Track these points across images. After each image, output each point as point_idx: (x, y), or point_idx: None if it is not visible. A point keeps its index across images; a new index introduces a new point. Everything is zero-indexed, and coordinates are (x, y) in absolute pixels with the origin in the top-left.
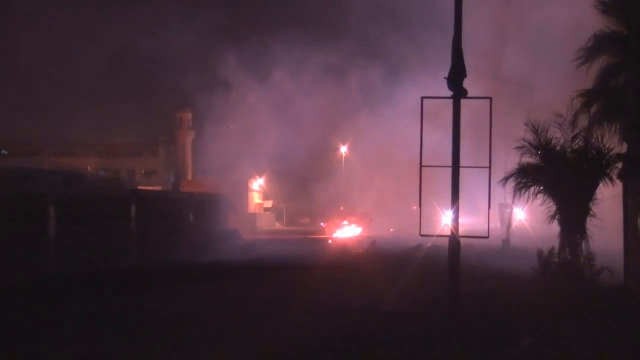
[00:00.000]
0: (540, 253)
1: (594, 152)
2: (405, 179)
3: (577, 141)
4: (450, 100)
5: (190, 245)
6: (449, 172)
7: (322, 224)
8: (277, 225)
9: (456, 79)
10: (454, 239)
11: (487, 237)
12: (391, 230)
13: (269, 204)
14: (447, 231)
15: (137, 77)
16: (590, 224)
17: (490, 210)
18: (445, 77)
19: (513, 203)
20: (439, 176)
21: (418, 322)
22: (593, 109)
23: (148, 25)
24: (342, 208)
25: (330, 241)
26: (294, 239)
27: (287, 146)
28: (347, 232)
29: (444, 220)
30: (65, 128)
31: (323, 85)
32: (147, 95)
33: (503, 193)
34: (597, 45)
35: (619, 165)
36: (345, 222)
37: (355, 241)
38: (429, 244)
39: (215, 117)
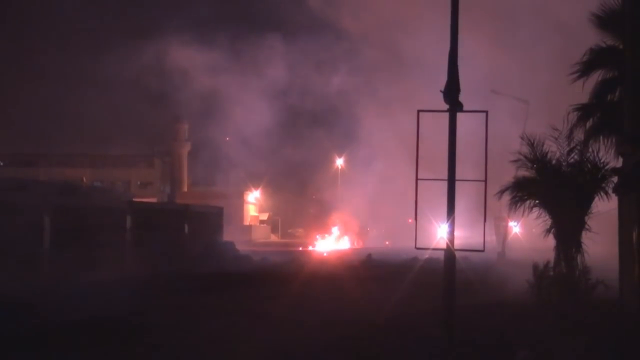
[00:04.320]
0: (535, 266)
1: (589, 166)
2: (401, 192)
3: (573, 155)
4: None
5: (185, 257)
6: (444, 185)
7: (317, 236)
8: (273, 238)
9: (452, 92)
10: (450, 252)
11: (482, 251)
12: (387, 243)
13: (264, 216)
14: (443, 244)
15: (134, 87)
16: (586, 238)
17: (486, 223)
18: (441, 91)
19: (508, 216)
20: (434, 189)
21: (413, 334)
22: (589, 123)
23: (145, 34)
24: (337, 221)
25: (325, 254)
26: (288, 251)
27: (284, 159)
28: (342, 245)
29: (439, 233)
30: (62, 139)
31: (321, 96)
32: (143, 106)
33: (498, 206)
34: (593, 60)
35: (615, 179)
36: (335, 232)
37: (351, 254)
38: (425, 257)
39: (212, 129)
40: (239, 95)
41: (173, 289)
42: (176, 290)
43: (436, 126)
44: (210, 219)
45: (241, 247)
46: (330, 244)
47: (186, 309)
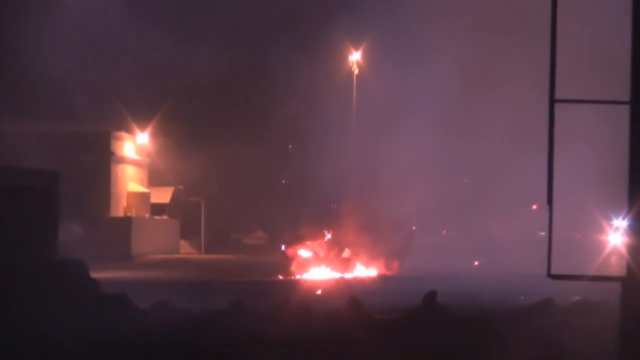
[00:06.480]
0: None
1: None
2: (508, 140)
3: None
4: None
5: None
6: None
7: (283, 246)
8: (186, 248)
9: None
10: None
11: None
12: (475, 263)
13: (164, 195)
14: (618, 267)
15: None
16: None
17: None
18: None
19: None
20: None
21: None
22: None
23: None
24: (334, 206)
25: (319, 291)
26: (231, 284)
27: (210, 60)
28: (358, 270)
29: (611, 239)
30: None
31: None
32: None
33: None
34: None
35: None
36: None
37: (382, 290)
38: (574, 300)
39: None
40: None
41: None
42: None
43: None
44: (25, 203)
45: (108, 274)
46: (331, 267)
47: None
